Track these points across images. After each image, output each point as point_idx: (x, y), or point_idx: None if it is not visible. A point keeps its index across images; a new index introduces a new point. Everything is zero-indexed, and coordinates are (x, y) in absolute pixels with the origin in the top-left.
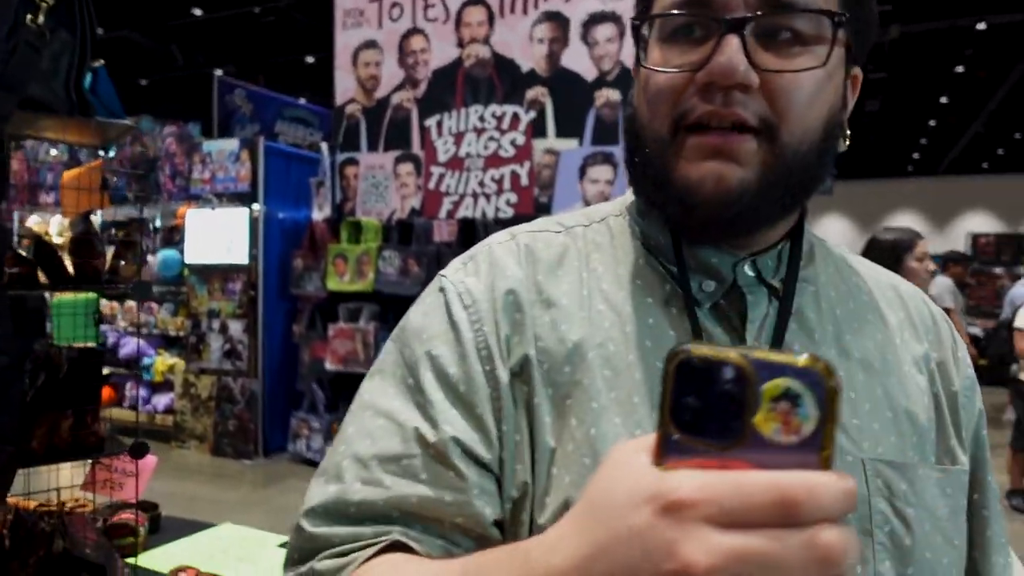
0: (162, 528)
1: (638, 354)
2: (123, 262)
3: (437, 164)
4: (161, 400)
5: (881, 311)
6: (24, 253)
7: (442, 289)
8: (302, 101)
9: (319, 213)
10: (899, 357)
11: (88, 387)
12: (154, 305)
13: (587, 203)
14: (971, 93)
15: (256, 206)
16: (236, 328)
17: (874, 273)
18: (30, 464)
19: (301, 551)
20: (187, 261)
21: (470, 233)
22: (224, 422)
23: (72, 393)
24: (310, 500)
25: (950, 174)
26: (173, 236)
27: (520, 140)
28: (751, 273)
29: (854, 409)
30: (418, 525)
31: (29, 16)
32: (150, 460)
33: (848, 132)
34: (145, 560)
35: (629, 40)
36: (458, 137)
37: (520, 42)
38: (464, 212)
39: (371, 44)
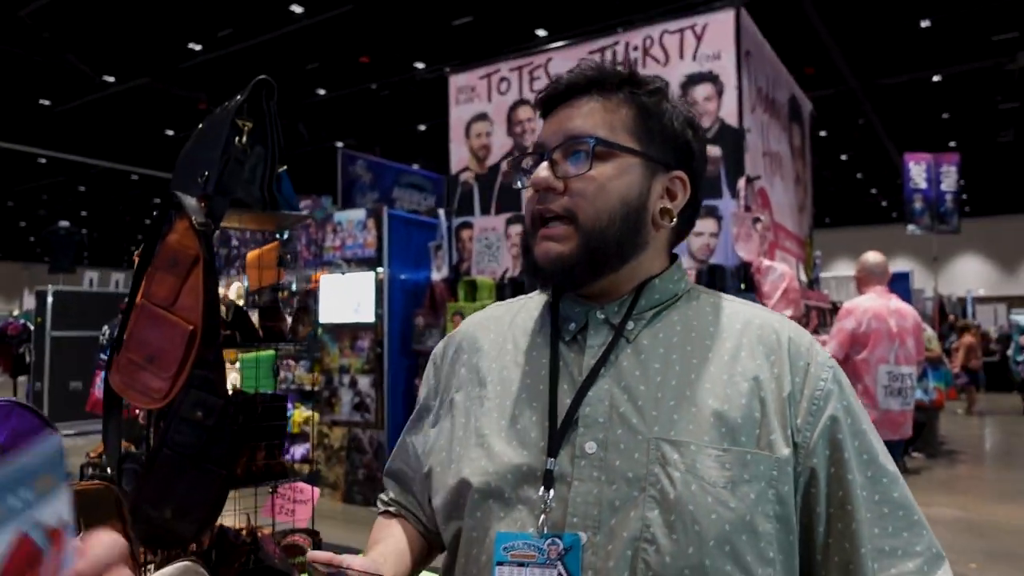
0: None
1: (518, 372)
2: (300, 325)
3: None
4: (298, 450)
5: (720, 338)
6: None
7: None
8: (415, 167)
9: (438, 274)
10: (721, 370)
11: (276, 426)
12: (291, 362)
13: (692, 256)
14: None
15: (381, 269)
16: (364, 383)
17: (736, 312)
18: (236, 486)
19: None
20: (320, 321)
21: None
22: (354, 471)
23: (264, 431)
24: None
25: None
26: (307, 299)
27: None
28: (601, 317)
29: (657, 404)
30: (400, 485)
31: (236, 138)
32: (316, 491)
33: (672, 215)
34: None
35: (727, 97)
36: None
37: None
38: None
39: (482, 117)
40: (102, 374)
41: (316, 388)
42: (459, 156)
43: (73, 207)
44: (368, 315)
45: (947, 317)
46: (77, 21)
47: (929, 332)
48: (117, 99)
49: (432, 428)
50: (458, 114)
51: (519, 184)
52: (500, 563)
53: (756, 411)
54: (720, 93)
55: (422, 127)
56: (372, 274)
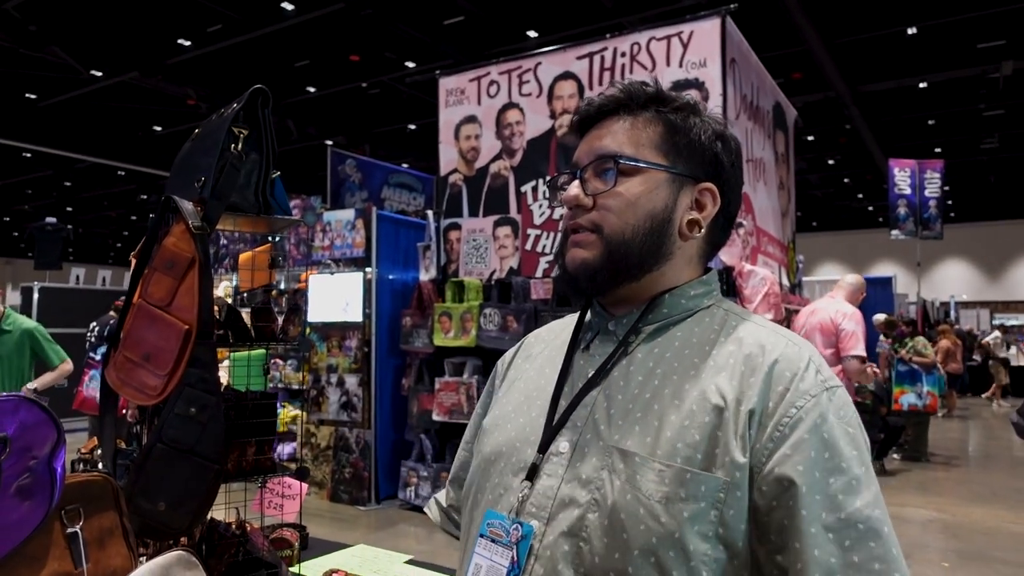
0: (308, 547)
1: (537, 377)
2: (291, 325)
3: (533, 227)
4: (285, 448)
5: (709, 357)
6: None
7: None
8: (404, 166)
9: (425, 274)
10: (695, 388)
11: (266, 423)
12: (279, 361)
13: None
14: None
15: (369, 269)
16: (352, 382)
17: (738, 333)
18: (227, 481)
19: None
20: (309, 320)
21: None
22: (341, 470)
23: (255, 427)
24: None
25: None
26: (296, 298)
27: None
28: (611, 328)
29: (626, 414)
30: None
31: (232, 145)
32: (304, 486)
33: (700, 225)
34: (298, 569)
35: (712, 104)
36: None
37: None
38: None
39: (471, 119)
40: (91, 372)
41: (304, 387)
42: (448, 158)
43: (58, 202)
44: (356, 315)
45: (931, 322)
46: (64, 14)
47: (921, 339)
48: (104, 93)
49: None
50: (447, 116)
51: (553, 202)
52: (482, 535)
53: (717, 431)
54: (705, 100)
55: (412, 126)
56: (360, 274)
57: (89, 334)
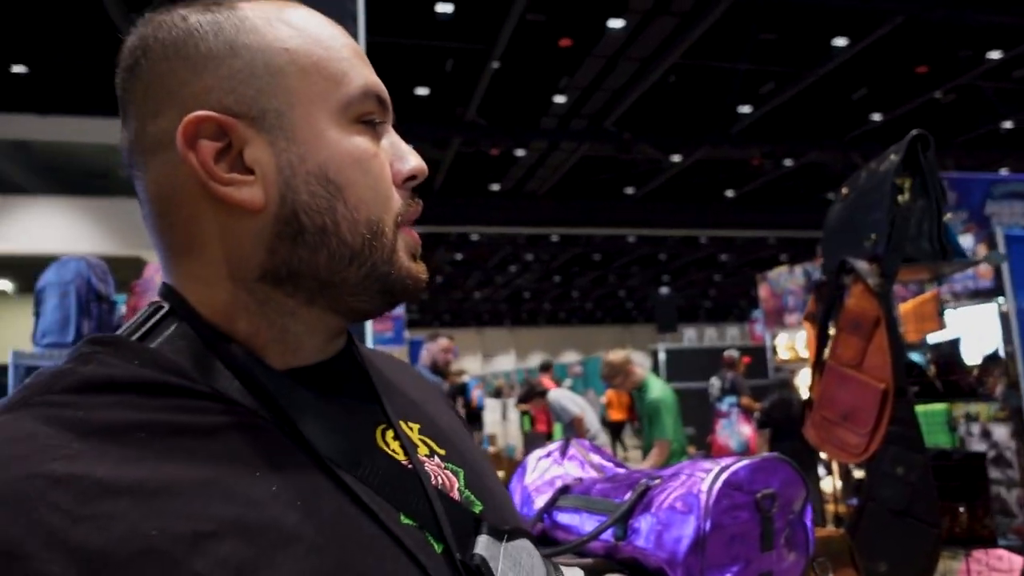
0: None
1: None
2: (989, 377)
3: None
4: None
5: None
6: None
7: None
8: (1004, 172)
9: None
10: None
11: (976, 485)
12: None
13: None
14: None
15: (1002, 299)
16: (1000, 433)
17: None
18: (942, 546)
19: None
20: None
21: None
22: (1003, 537)
23: (962, 489)
24: None
25: None
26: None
27: None
28: None
29: None
30: None
31: (899, 197)
32: (1017, 560)
33: None
34: None
35: None
36: None
37: None
38: None
39: None
40: (721, 422)
41: None
42: None
43: (656, 274)
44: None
45: None
46: (646, 116)
47: None
48: (683, 173)
49: None
50: None
51: None
52: None
53: None
54: None
55: (1007, 124)
56: (993, 306)
57: (711, 388)
